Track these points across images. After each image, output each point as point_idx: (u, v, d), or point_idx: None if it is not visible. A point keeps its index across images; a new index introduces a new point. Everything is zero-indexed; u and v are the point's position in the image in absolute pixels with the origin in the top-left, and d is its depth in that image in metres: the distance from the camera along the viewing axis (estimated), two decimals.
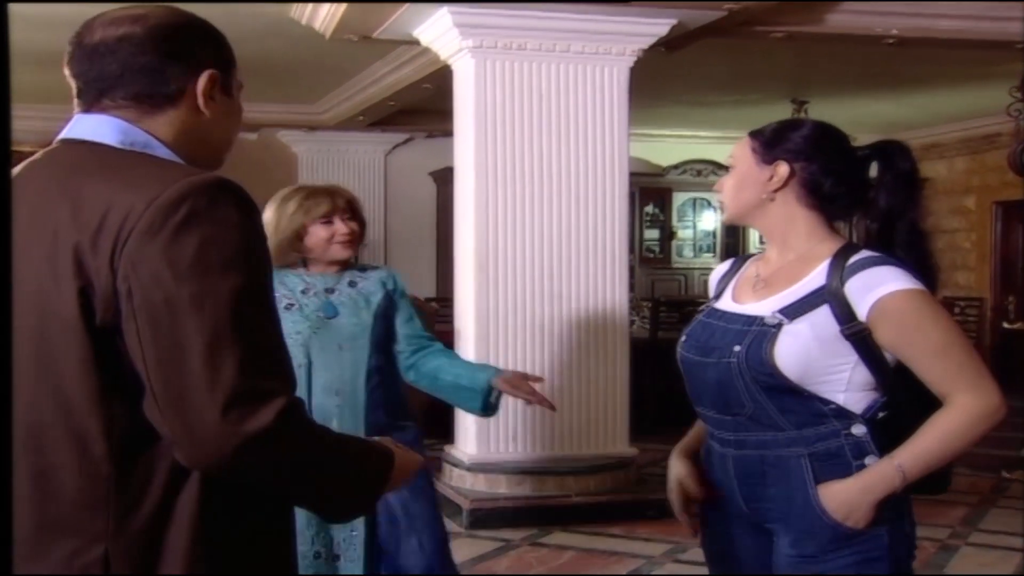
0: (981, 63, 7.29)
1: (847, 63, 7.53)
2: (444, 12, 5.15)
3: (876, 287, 1.85)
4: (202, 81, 1.37)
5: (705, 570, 2.09)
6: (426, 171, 10.08)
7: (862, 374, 1.88)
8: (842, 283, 1.87)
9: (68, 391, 1.21)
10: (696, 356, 2.01)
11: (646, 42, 5.47)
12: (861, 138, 8.47)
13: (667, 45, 5.78)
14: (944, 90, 8.73)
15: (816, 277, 1.92)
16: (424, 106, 8.43)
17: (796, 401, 1.88)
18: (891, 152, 2.01)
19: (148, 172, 1.26)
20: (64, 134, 1.36)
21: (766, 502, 1.94)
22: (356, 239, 2.99)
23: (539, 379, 3.00)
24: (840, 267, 1.89)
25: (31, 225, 1.25)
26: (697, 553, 4.78)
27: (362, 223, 3.03)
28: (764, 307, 1.94)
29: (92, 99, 1.36)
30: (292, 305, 2.90)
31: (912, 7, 5.84)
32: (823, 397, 1.88)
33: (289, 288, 2.93)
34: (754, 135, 2.01)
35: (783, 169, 1.95)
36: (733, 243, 10.98)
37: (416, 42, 5.75)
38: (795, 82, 8.53)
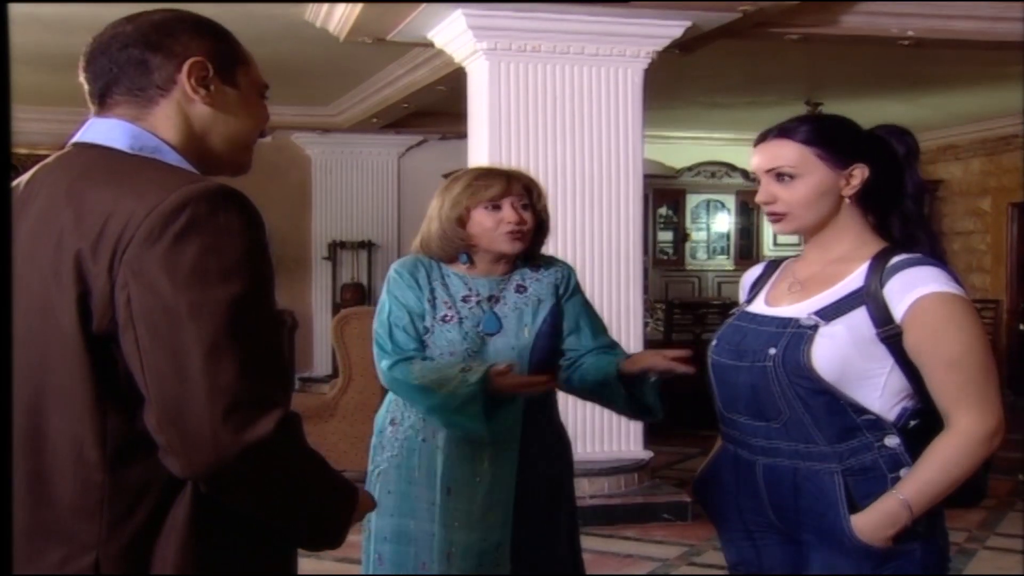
0: (996, 64, 7.24)
1: (862, 64, 7.50)
2: (458, 14, 5.15)
3: (915, 287, 1.80)
4: (186, 67, 1.37)
5: (720, 572, 2.07)
6: (439, 173, 10.07)
7: (897, 379, 1.84)
8: (881, 284, 1.82)
9: (66, 397, 1.21)
10: (728, 360, 1.96)
11: (660, 44, 5.46)
12: None
13: (681, 47, 5.76)
14: (959, 91, 8.69)
15: (855, 279, 1.87)
16: (438, 108, 8.44)
17: (830, 410, 1.83)
18: (901, 132, 1.95)
19: (151, 178, 1.26)
20: (77, 138, 1.37)
21: (798, 515, 1.89)
22: (528, 233, 2.49)
23: (684, 355, 2.36)
24: (880, 268, 1.84)
25: (38, 230, 1.25)
26: (712, 556, 4.79)
27: (541, 216, 2.55)
28: (800, 309, 1.90)
29: (99, 100, 1.38)
30: (449, 317, 2.47)
31: (928, 8, 5.81)
32: (858, 404, 1.83)
33: (451, 294, 2.50)
34: (810, 140, 1.89)
35: (862, 172, 1.88)
36: (747, 245, 10.96)
37: (430, 44, 5.76)
38: (809, 83, 8.50)
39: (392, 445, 2.51)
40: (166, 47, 1.37)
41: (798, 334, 1.85)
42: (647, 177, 6.06)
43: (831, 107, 9.06)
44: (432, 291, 2.50)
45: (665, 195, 10.72)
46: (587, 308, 2.59)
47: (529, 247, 2.55)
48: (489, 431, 2.34)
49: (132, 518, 1.21)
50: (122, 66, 1.35)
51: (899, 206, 1.93)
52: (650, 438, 5.73)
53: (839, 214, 1.92)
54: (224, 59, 1.40)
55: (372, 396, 5.95)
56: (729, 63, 7.27)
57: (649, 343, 6.08)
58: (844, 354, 1.81)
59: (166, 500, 1.23)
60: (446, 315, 2.47)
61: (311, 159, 10.10)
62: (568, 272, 2.59)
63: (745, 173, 10.90)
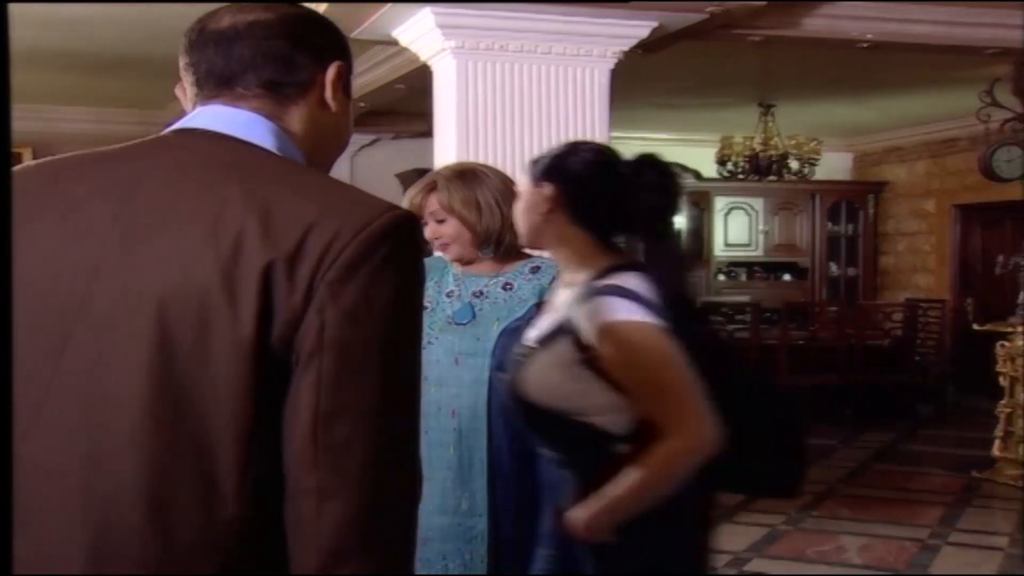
0: (941, 67, 7.38)
1: (815, 67, 7.59)
2: (426, 12, 5.10)
3: (594, 317, 1.91)
4: (331, 71, 1.27)
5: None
6: (392, 172, 10.02)
7: (611, 397, 1.93)
8: (579, 311, 1.94)
9: (211, 417, 1.09)
10: (502, 374, 2.16)
11: (627, 44, 5.46)
12: (828, 141, 8.67)
13: (644, 47, 5.77)
14: (905, 94, 8.85)
15: (567, 304, 2.01)
16: (393, 107, 8.38)
17: (557, 425, 1.97)
18: (641, 165, 2.05)
19: (344, 196, 1.16)
20: (197, 123, 1.24)
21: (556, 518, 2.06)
22: (458, 240, 2.46)
23: None
24: (582, 294, 1.97)
25: (187, 223, 1.12)
26: None
27: (466, 220, 2.46)
28: (532, 332, 2.08)
29: (215, 88, 1.25)
30: (425, 308, 2.45)
31: (888, 11, 5.90)
32: (583, 418, 1.94)
33: (440, 289, 2.54)
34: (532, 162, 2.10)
35: (550, 189, 2.02)
36: (697, 245, 11.04)
37: (395, 42, 5.69)
38: (763, 85, 8.59)
39: None
40: (313, 46, 1.27)
41: (520, 356, 2.02)
42: None
43: (782, 109, 9.19)
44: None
45: None
46: None
47: (481, 244, 2.48)
48: None
49: (264, 555, 1.11)
50: (266, 57, 1.24)
51: (619, 223, 2.04)
52: None
53: (552, 230, 2.04)
54: (349, 67, 1.32)
55: None
56: (684, 65, 7.30)
57: None
58: (550, 377, 1.94)
59: None
60: (423, 307, 2.47)
61: None
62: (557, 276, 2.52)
63: (697, 174, 10.97)
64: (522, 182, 2.09)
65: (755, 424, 2.00)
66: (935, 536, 5.26)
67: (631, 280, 1.94)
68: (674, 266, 2.05)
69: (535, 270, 2.51)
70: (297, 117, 1.26)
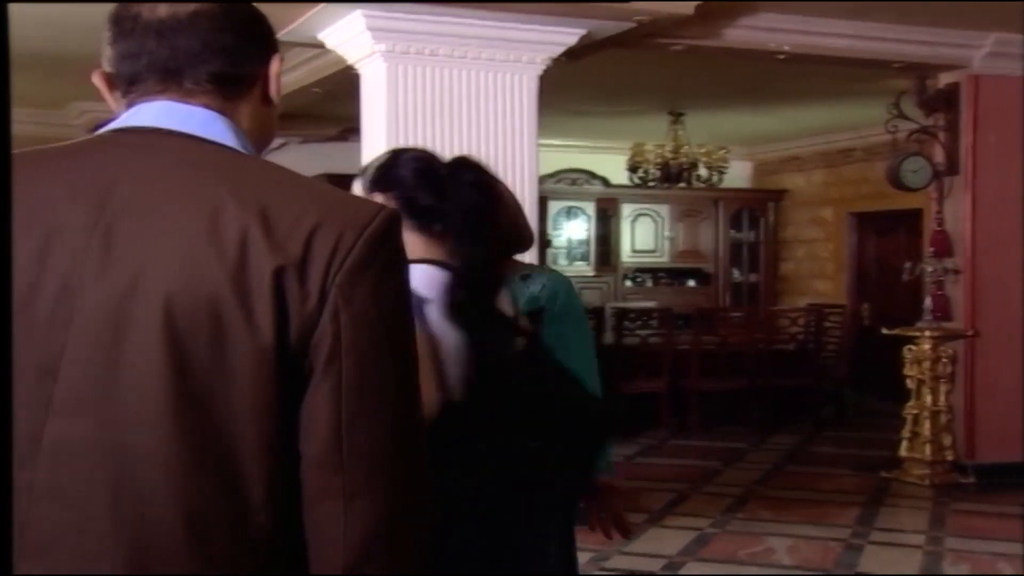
0: (841, 80, 7.61)
1: (723, 77, 7.74)
2: (357, 15, 5.03)
3: None
4: (274, 65, 1.22)
5: None
6: None
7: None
8: None
9: (236, 427, 1.06)
10: None
11: (556, 51, 5.49)
12: (734, 149, 8.83)
13: (570, 55, 5.80)
14: (806, 106, 9.09)
15: None
16: (306, 111, 8.23)
17: None
18: (458, 166, 2.15)
19: (334, 196, 1.13)
20: (145, 121, 1.15)
21: None
22: None
23: None
24: None
25: (180, 224, 1.07)
26: (619, 560, 4.83)
27: None
28: None
29: (160, 82, 1.17)
30: None
31: (805, 25, 6.07)
32: None
33: None
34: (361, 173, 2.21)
35: (377, 199, 2.11)
36: (605, 251, 11.16)
37: (320, 45, 5.59)
38: (674, 94, 8.72)
39: None
40: (256, 39, 1.22)
41: None
42: None
43: (691, 117, 9.35)
44: None
45: None
46: (577, 329, 2.45)
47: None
48: None
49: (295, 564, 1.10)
50: (214, 49, 1.17)
51: (445, 222, 2.11)
52: None
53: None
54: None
55: None
56: (597, 73, 7.35)
57: None
58: None
59: None
60: None
61: None
62: (558, 288, 2.42)
63: (605, 181, 11.10)
64: (356, 192, 2.17)
65: (546, 434, 2.07)
66: (856, 535, 5.41)
67: (416, 271, 2.01)
68: (476, 264, 2.08)
69: (525, 278, 2.41)
70: (245, 113, 1.21)
